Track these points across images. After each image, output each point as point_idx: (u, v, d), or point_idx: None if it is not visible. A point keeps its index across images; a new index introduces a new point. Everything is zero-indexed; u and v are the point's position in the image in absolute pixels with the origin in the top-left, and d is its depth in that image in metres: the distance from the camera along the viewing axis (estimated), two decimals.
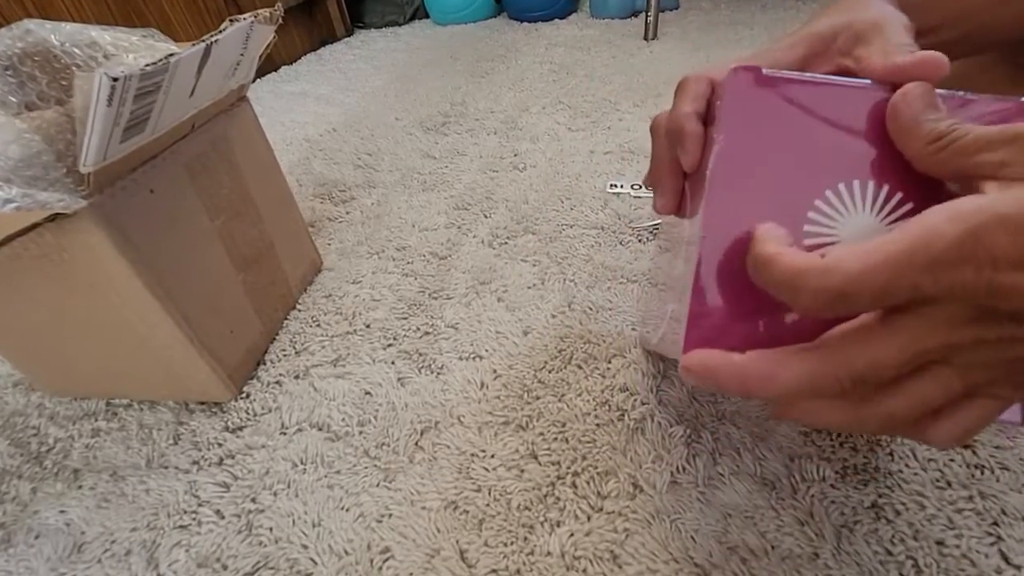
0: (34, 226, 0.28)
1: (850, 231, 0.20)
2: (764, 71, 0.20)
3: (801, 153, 0.20)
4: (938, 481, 0.29)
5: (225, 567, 0.30)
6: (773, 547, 0.27)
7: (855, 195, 0.20)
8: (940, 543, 0.27)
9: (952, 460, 0.30)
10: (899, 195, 0.19)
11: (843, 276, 0.15)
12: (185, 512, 0.32)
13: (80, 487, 0.35)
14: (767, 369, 0.17)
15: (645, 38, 1.05)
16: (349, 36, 1.38)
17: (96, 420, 0.39)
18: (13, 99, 0.34)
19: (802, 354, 0.17)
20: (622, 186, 0.58)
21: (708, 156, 0.22)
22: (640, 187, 0.58)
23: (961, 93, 0.20)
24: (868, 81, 0.20)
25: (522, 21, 1.28)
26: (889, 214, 0.20)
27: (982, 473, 0.30)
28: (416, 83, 0.97)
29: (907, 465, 0.30)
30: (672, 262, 0.28)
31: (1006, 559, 0.26)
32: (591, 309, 0.43)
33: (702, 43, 0.99)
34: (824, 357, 0.17)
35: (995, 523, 0.27)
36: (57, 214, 0.28)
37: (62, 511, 0.33)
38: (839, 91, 0.20)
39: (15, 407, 0.41)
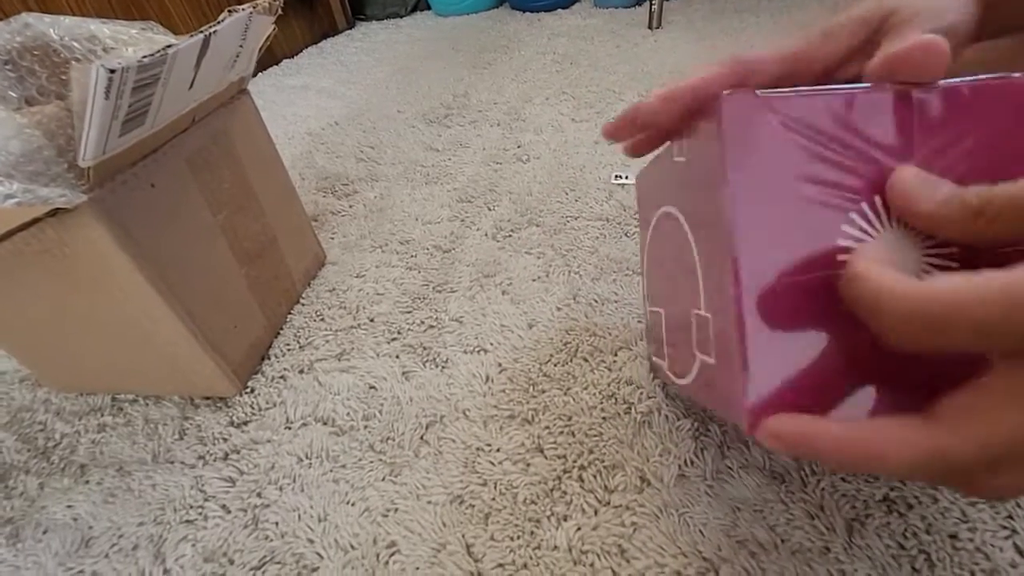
0: (35, 221, 0.28)
1: (886, 250, 0.18)
2: (758, 93, 0.19)
3: (816, 176, 0.19)
4: None
5: (232, 561, 0.30)
6: (783, 541, 0.27)
7: (880, 213, 0.19)
8: (953, 537, 0.26)
9: None
10: None
11: (946, 301, 0.13)
12: (191, 507, 0.32)
13: (87, 482, 0.35)
14: (875, 447, 0.15)
15: (649, 27, 1.03)
16: (350, 28, 1.37)
17: (102, 415, 0.39)
18: (13, 94, 0.34)
19: (916, 428, 0.15)
20: (627, 177, 0.58)
21: (708, 201, 0.21)
22: None
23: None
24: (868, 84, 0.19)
25: (524, 11, 1.26)
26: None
27: None
28: (418, 75, 0.97)
29: None
30: (672, 283, 0.27)
31: (1021, 552, 0.26)
32: (596, 301, 0.43)
33: (707, 32, 0.98)
34: (949, 433, 0.14)
35: (1009, 516, 0.27)
36: (58, 209, 0.27)
37: (69, 506, 0.33)
38: (837, 99, 0.18)
39: (22, 402, 0.41)
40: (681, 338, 0.26)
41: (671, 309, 0.28)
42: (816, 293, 0.19)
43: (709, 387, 0.23)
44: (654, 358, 0.33)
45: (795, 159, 0.19)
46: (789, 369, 0.18)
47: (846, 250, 0.18)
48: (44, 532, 0.32)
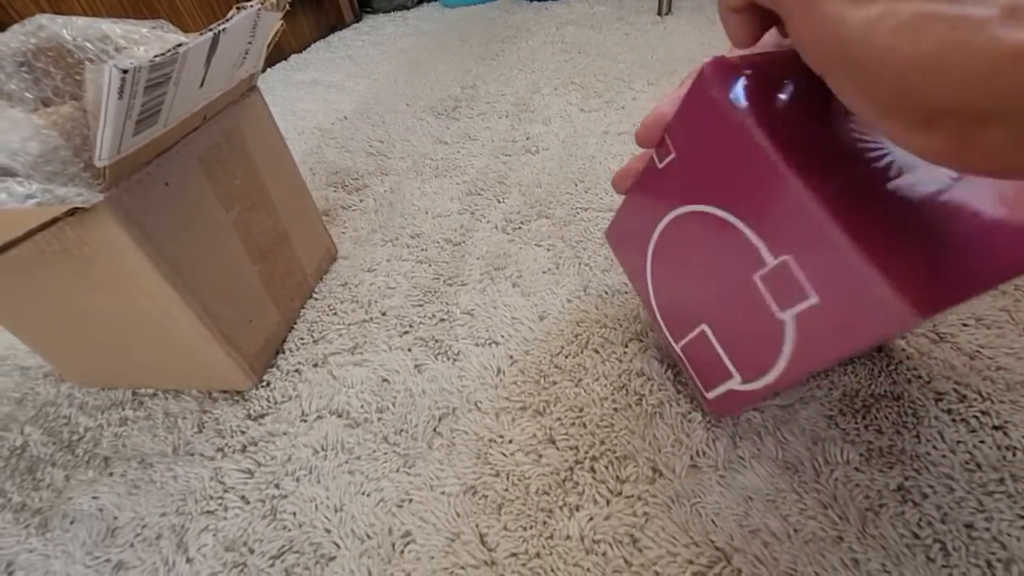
0: (54, 221, 0.29)
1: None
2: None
3: (801, 93, 0.21)
4: (967, 463, 0.29)
5: (252, 551, 0.30)
6: (796, 530, 0.27)
7: None
8: (969, 526, 0.26)
9: (983, 442, 0.29)
10: None
11: None
12: (211, 498, 0.33)
13: (111, 474, 0.36)
14: None
15: (659, 13, 1.02)
16: (358, 22, 1.37)
17: (123, 409, 0.40)
18: (29, 95, 0.34)
19: None
20: None
21: (723, 153, 0.22)
22: None
23: None
24: None
25: (532, 0, 1.25)
26: None
27: (1014, 455, 0.29)
28: (426, 67, 0.96)
29: (935, 447, 0.29)
30: (711, 280, 0.26)
31: None
32: (607, 293, 0.43)
33: (717, 17, 0.96)
34: None
35: None
36: (76, 208, 0.28)
37: (95, 497, 0.34)
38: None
39: (46, 397, 0.42)
40: (750, 322, 0.24)
41: (718, 310, 0.27)
42: (865, 167, 0.20)
43: (819, 335, 0.21)
44: (712, 393, 0.30)
45: (776, 90, 0.21)
46: (900, 246, 0.18)
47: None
48: (71, 522, 0.33)
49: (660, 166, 0.27)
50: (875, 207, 0.19)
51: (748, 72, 0.22)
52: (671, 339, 0.32)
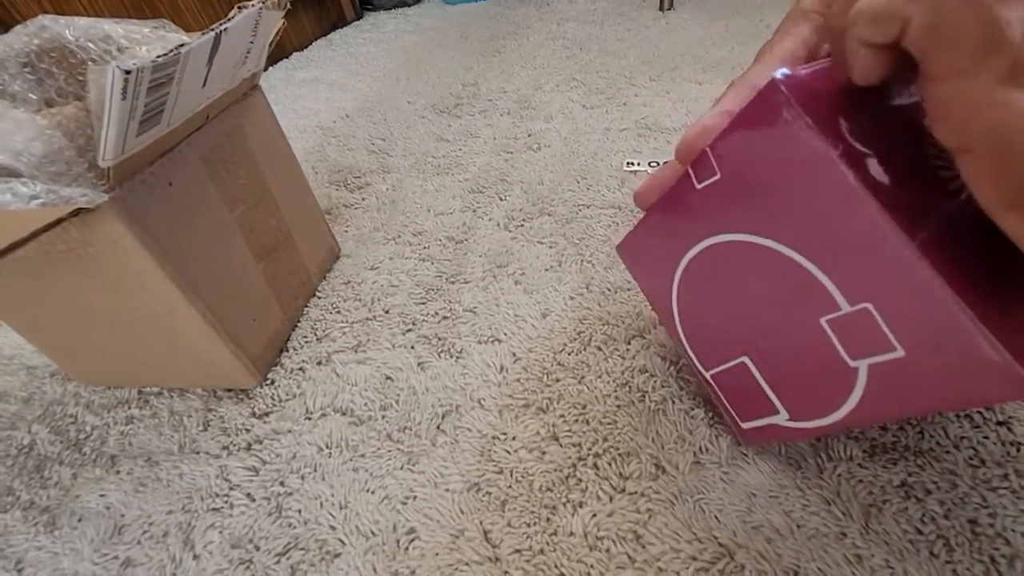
0: (59, 221, 0.29)
1: None
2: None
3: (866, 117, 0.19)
4: (971, 459, 0.29)
5: (258, 548, 0.31)
6: (799, 526, 0.27)
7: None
8: (973, 522, 0.26)
9: (986, 438, 0.29)
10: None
11: None
12: (217, 495, 0.33)
13: (118, 472, 0.36)
14: None
15: (660, 8, 1.01)
16: (359, 19, 1.37)
17: (129, 408, 0.40)
18: (33, 96, 0.35)
19: None
20: (639, 164, 0.57)
21: (796, 187, 0.20)
22: (658, 164, 0.57)
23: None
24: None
25: None
26: None
27: (1018, 451, 0.29)
28: (427, 65, 0.96)
29: (938, 444, 0.29)
30: (755, 315, 0.24)
31: None
32: (609, 290, 0.43)
33: (720, 11, 0.95)
34: None
35: None
36: (81, 209, 0.28)
37: (102, 495, 0.35)
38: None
39: (53, 396, 0.42)
40: (810, 364, 0.23)
41: (766, 345, 0.25)
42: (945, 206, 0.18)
43: (897, 388, 0.20)
44: (749, 424, 0.28)
45: (856, 118, 0.19)
46: (1005, 301, 0.17)
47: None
48: (79, 520, 0.34)
49: (698, 186, 0.24)
50: (973, 257, 0.17)
51: (827, 94, 0.19)
52: (699, 365, 0.30)
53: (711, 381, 0.30)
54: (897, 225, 0.17)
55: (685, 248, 0.27)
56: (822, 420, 0.24)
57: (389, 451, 0.34)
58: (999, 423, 0.30)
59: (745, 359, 0.26)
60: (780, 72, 0.19)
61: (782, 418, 0.26)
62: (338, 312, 0.46)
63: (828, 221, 0.19)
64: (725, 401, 0.29)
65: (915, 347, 0.18)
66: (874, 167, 0.18)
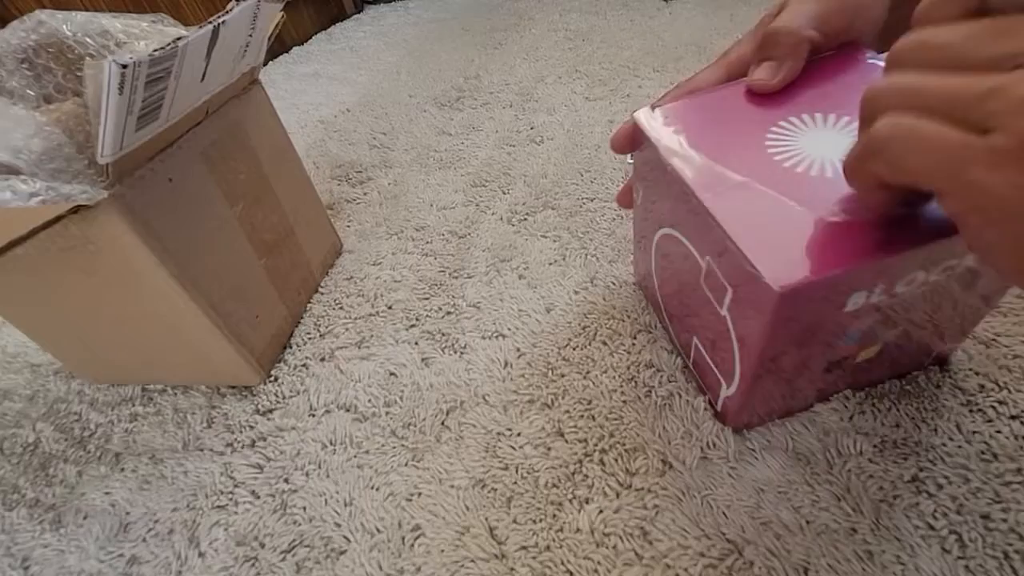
0: (59, 219, 0.29)
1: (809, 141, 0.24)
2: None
3: (724, 123, 0.27)
4: (983, 454, 0.28)
5: (263, 545, 0.31)
6: (808, 522, 0.27)
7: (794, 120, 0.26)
8: (986, 517, 0.26)
9: (999, 432, 0.29)
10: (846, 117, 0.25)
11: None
12: (222, 493, 0.33)
13: (122, 470, 0.36)
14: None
15: None
16: (359, 12, 1.36)
17: (133, 405, 0.40)
18: (31, 92, 0.34)
19: None
20: None
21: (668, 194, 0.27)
22: None
23: None
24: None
25: None
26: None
27: None
28: (428, 58, 0.95)
29: (950, 438, 0.29)
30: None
31: None
32: (614, 284, 0.42)
33: (724, 0, 0.94)
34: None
35: None
36: (80, 206, 0.28)
37: (107, 492, 0.35)
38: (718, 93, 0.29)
39: (57, 394, 0.42)
40: (713, 326, 0.27)
41: (698, 320, 0.29)
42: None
43: (743, 320, 0.24)
44: (719, 405, 0.31)
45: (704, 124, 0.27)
46: (772, 236, 0.21)
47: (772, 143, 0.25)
48: (84, 518, 0.34)
49: (639, 202, 0.33)
50: (764, 211, 0.22)
51: (677, 116, 0.28)
52: (691, 365, 0.34)
53: (692, 368, 0.34)
54: (699, 187, 0.24)
55: (651, 254, 0.34)
56: (736, 377, 0.27)
57: (393, 448, 0.34)
58: (1012, 417, 0.29)
59: (695, 339, 0.31)
60: (643, 110, 0.29)
61: (724, 388, 0.29)
62: (341, 308, 0.45)
63: (676, 201, 0.26)
64: (703, 385, 0.33)
65: (733, 283, 0.23)
66: (702, 162, 0.25)
